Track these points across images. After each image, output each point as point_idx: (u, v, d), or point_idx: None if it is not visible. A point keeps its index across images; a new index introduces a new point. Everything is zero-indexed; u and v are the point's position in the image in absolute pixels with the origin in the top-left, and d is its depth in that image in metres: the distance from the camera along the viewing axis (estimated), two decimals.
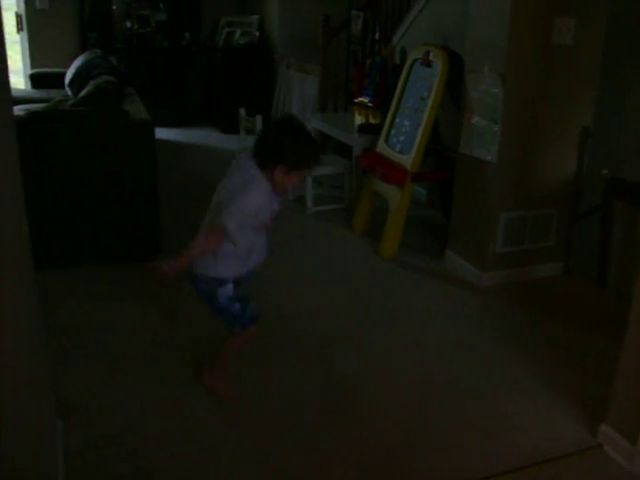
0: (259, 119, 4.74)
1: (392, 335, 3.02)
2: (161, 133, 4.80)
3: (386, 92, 4.55)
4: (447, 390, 2.60)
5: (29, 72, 6.69)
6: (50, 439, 1.95)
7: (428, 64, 3.83)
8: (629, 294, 2.16)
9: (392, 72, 4.65)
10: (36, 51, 6.92)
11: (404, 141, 3.92)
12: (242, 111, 5.12)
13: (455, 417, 2.43)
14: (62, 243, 3.48)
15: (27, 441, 1.48)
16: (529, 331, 3.09)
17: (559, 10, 3.16)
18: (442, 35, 4.36)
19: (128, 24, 7.36)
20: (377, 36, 5.39)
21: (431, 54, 3.81)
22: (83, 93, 4.20)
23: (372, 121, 4.67)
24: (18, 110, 4.06)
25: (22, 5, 6.82)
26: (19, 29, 6.95)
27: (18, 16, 6.91)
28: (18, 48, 7.05)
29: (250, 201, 2.15)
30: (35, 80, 6.42)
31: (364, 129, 4.53)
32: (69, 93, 5.50)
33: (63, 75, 5.88)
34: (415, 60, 3.99)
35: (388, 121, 4.11)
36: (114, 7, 7.33)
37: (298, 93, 6.32)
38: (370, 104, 4.76)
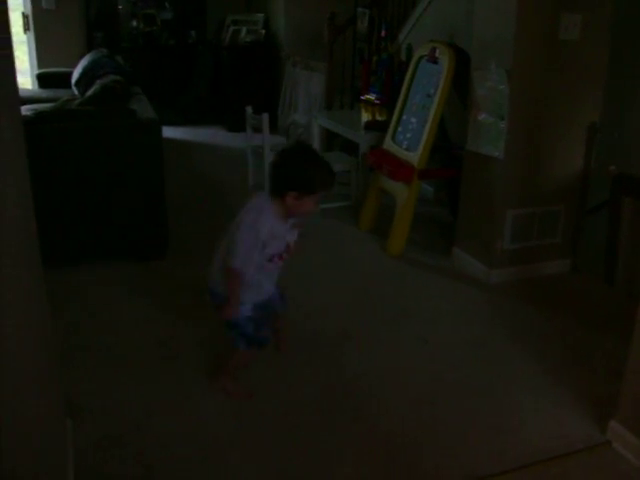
0: (266, 117, 4.73)
1: (401, 333, 3.02)
2: (167, 132, 4.81)
3: (392, 89, 4.54)
4: (456, 387, 2.60)
5: (36, 72, 6.72)
6: (59, 437, 1.96)
7: (434, 61, 3.83)
8: (638, 291, 2.15)
9: (398, 69, 4.64)
10: (43, 51, 6.95)
11: (411, 138, 3.91)
12: (249, 109, 5.11)
13: (464, 414, 2.43)
14: (69, 242, 3.49)
15: (34, 439, 1.49)
16: (537, 328, 3.08)
17: (565, 6, 3.14)
18: (448, 32, 4.34)
19: (134, 23, 7.38)
20: (383, 33, 5.38)
21: (437, 51, 3.81)
22: (90, 92, 4.21)
23: (379, 118, 4.66)
24: (25, 110, 4.07)
25: (29, 5, 6.85)
26: (26, 29, 6.98)
27: (25, 16, 6.93)
28: (25, 48, 7.07)
29: (256, 229, 2.15)
30: (42, 80, 6.45)
31: (371, 126, 4.52)
32: (76, 93, 5.52)
33: (70, 75, 5.90)
34: (421, 57, 3.98)
35: (395, 118, 4.10)
36: (120, 6, 7.36)
37: (304, 91, 6.32)
38: (376, 101, 4.75)
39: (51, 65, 6.71)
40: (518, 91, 3.21)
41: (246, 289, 2.26)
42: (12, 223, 1.38)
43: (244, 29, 7.22)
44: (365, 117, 4.82)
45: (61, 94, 5.45)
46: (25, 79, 7.07)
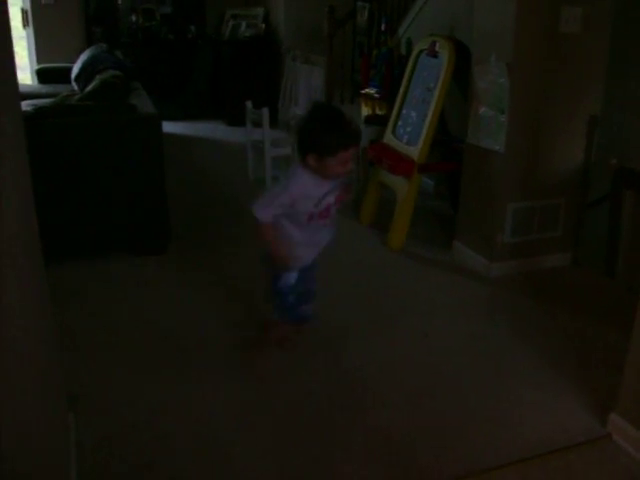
0: (266, 111, 4.74)
1: (401, 326, 3.02)
2: (167, 126, 4.81)
3: (392, 83, 4.53)
4: (456, 381, 2.61)
5: (35, 67, 6.71)
6: (62, 434, 1.96)
7: (434, 55, 3.82)
8: (638, 284, 2.15)
9: (398, 63, 4.64)
10: (42, 46, 6.95)
11: (411, 132, 3.91)
12: (249, 104, 5.11)
13: (463, 408, 2.43)
14: (70, 237, 3.49)
15: (37, 437, 1.49)
16: (538, 322, 3.09)
17: None
18: (448, 25, 4.34)
19: (133, 18, 7.37)
20: (383, 27, 5.37)
21: (437, 45, 3.80)
22: (89, 88, 4.21)
23: (379, 112, 4.66)
24: (25, 105, 4.07)
25: (27, 0, 6.83)
26: (25, 24, 6.97)
27: (24, 11, 6.92)
28: (24, 44, 7.07)
29: (286, 185, 2.24)
30: (41, 75, 6.44)
31: (371, 120, 4.52)
32: (75, 88, 5.52)
33: (69, 70, 5.90)
34: (421, 51, 3.97)
35: (395, 112, 4.10)
36: (119, 1, 7.34)
37: (304, 85, 6.31)
38: (376, 95, 4.75)
39: (50, 60, 6.71)
40: (518, 84, 3.21)
41: (293, 247, 2.31)
42: (13, 218, 1.38)
43: (244, 23, 7.20)
44: (365, 111, 4.82)
45: (61, 89, 5.45)
46: (24, 75, 7.06)
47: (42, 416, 1.55)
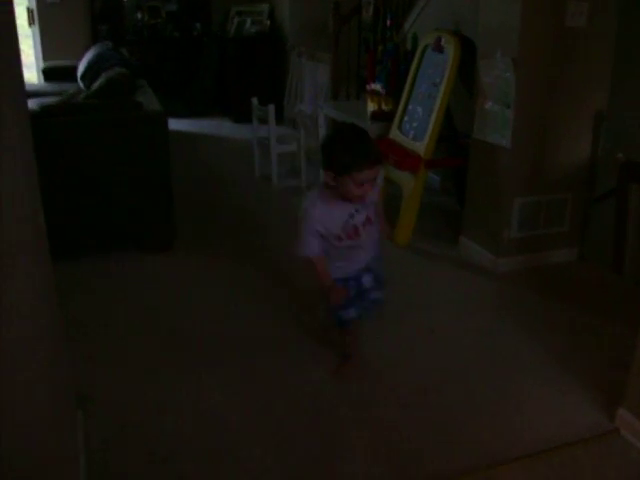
0: (272, 108, 4.74)
1: (407, 322, 3.02)
2: (173, 124, 4.80)
3: (398, 79, 4.52)
4: (462, 376, 2.61)
5: (41, 66, 6.73)
6: (70, 430, 1.97)
7: (440, 50, 3.81)
8: None
9: (404, 58, 4.62)
10: (48, 45, 6.96)
11: (417, 127, 3.90)
12: (254, 100, 5.11)
13: (470, 403, 2.44)
14: (76, 234, 3.50)
15: (45, 435, 1.50)
16: (545, 317, 3.08)
17: None
18: (454, 20, 4.32)
19: (139, 15, 7.38)
20: (388, 22, 5.36)
21: (443, 40, 3.79)
22: (95, 86, 4.22)
23: (384, 108, 4.64)
24: (31, 104, 4.07)
25: None
26: (30, 23, 6.99)
27: (29, 10, 6.94)
28: (30, 42, 7.09)
29: (308, 215, 2.26)
30: (47, 74, 6.45)
31: (377, 116, 4.51)
32: (81, 86, 5.52)
33: (75, 68, 5.90)
34: (427, 46, 3.96)
35: (401, 108, 4.09)
36: None
37: (310, 81, 6.29)
38: (382, 91, 4.74)
39: (56, 59, 6.72)
40: (524, 79, 3.20)
41: (330, 266, 2.38)
42: (21, 217, 1.39)
43: (249, 20, 7.20)
44: (371, 107, 4.80)
45: (67, 87, 5.46)
46: (31, 73, 7.08)
47: (49, 414, 1.56)
